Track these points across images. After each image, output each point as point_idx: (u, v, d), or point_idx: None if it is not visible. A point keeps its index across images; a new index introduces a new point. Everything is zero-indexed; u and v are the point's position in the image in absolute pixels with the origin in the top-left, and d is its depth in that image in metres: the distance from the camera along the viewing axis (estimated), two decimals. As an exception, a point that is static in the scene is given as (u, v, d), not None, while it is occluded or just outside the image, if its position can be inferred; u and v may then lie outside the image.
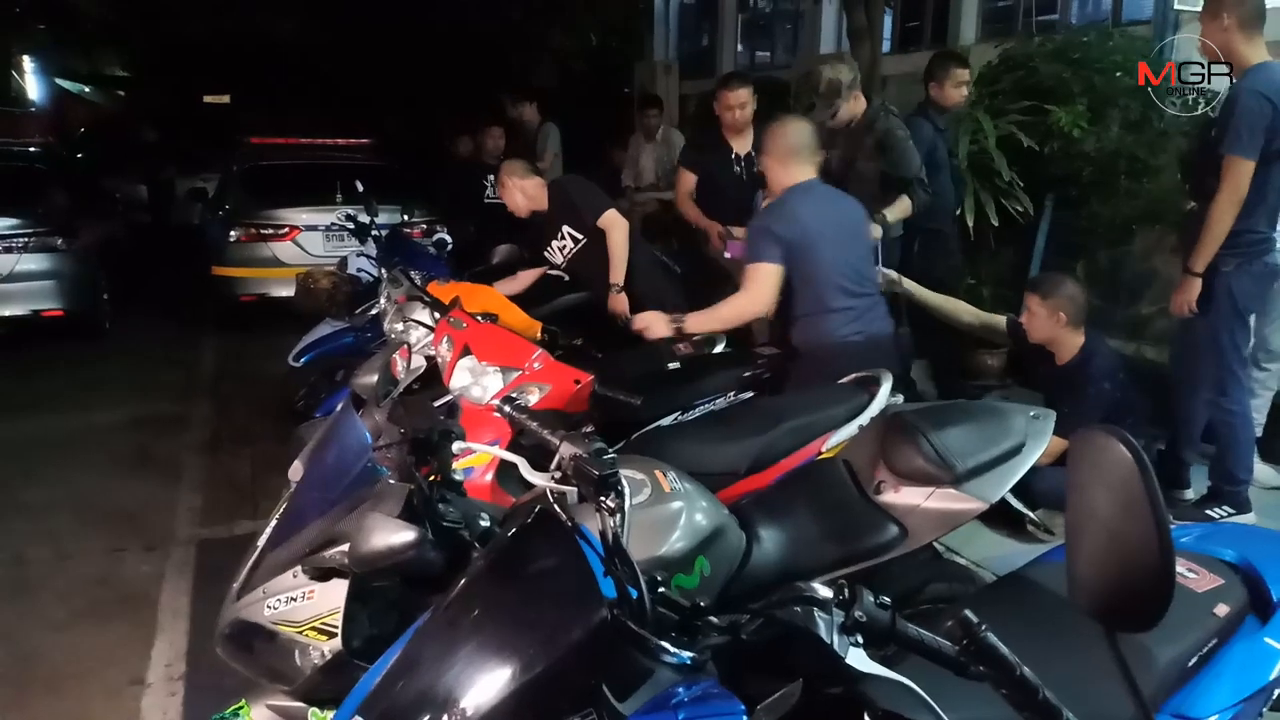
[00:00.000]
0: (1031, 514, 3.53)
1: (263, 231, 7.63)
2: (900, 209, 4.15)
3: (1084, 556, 0.88)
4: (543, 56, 12.57)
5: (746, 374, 3.27)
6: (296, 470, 1.84)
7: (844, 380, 3.12)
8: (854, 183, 3.98)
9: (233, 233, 7.62)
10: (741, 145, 4.83)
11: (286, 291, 6.91)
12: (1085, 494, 0.88)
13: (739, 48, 11.28)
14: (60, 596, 3.56)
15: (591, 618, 1.13)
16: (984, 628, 0.97)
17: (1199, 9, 3.68)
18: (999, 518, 3.46)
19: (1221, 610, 1.69)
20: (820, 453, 2.70)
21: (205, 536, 4.08)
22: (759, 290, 3.16)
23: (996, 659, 0.97)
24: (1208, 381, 3.62)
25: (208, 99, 21.56)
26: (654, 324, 3.18)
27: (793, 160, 3.24)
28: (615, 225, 4.02)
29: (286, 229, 7.62)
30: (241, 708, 1.73)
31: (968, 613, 0.99)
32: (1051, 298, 3.57)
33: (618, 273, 3.99)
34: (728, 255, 4.78)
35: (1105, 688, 1.17)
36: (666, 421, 3.05)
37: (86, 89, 24.32)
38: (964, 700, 1.20)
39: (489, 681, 1.13)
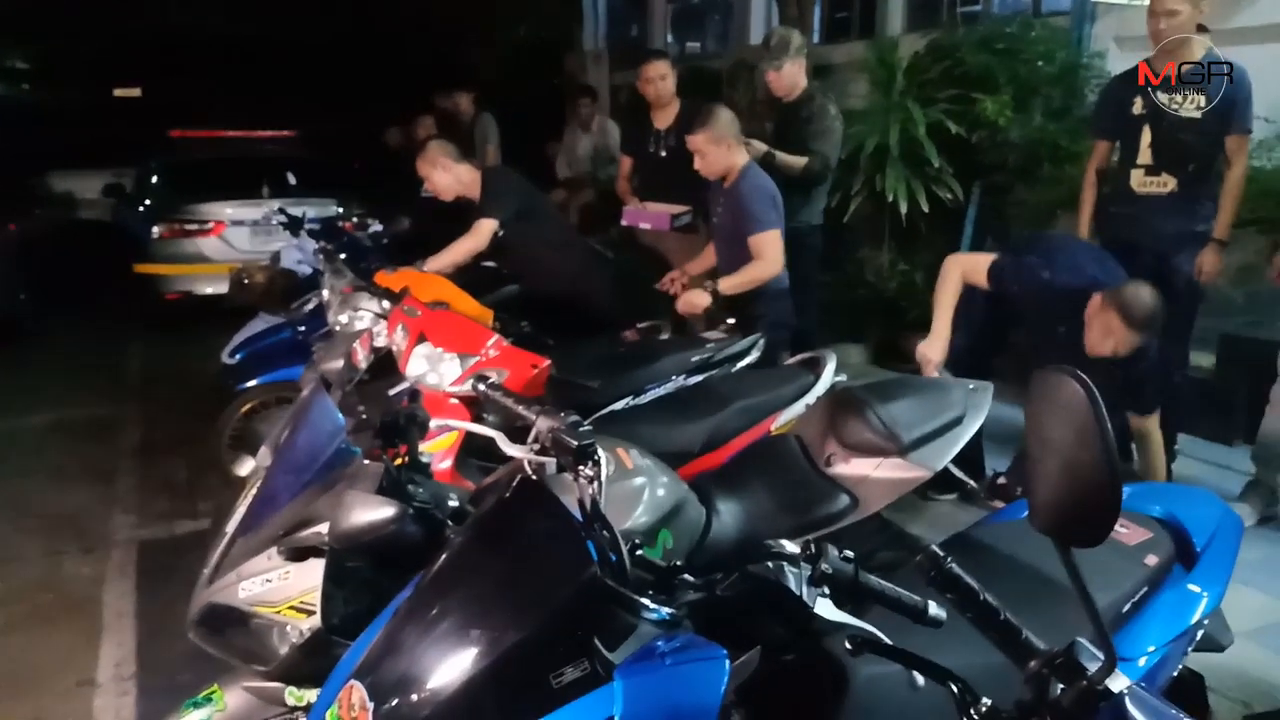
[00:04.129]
0: (973, 481, 3.69)
1: (186, 227, 7.45)
2: (795, 161, 4.31)
3: (1041, 481, 1.00)
4: (472, 48, 12.44)
5: (695, 358, 3.34)
6: (265, 455, 1.84)
7: (790, 361, 3.23)
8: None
9: (155, 229, 7.42)
10: (663, 120, 4.93)
11: (213, 288, 6.74)
12: (1043, 425, 0.99)
13: (669, 38, 11.35)
14: (-1, 601, 3.47)
15: (581, 574, 1.19)
16: (949, 560, 1.09)
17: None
18: (942, 486, 3.60)
19: (1151, 560, 1.82)
20: (770, 431, 2.79)
21: (145, 538, 4.00)
22: (778, 253, 3.61)
23: (962, 586, 1.08)
24: (1181, 350, 3.76)
25: (118, 93, 20.73)
26: (695, 299, 3.62)
27: (739, 142, 3.70)
28: (477, 234, 4.01)
29: (211, 224, 7.45)
30: (214, 692, 1.73)
31: (934, 547, 1.11)
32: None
33: (439, 259, 3.95)
34: (623, 222, 4.92)
35: (1052, 631, 1.27)
36: (619, 406, 3.10)
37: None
38: (922, 649, 1.29)
39: (486, 639, 1.17)
